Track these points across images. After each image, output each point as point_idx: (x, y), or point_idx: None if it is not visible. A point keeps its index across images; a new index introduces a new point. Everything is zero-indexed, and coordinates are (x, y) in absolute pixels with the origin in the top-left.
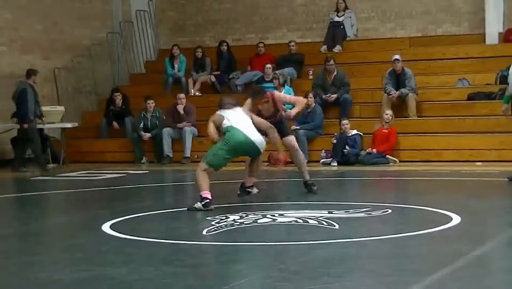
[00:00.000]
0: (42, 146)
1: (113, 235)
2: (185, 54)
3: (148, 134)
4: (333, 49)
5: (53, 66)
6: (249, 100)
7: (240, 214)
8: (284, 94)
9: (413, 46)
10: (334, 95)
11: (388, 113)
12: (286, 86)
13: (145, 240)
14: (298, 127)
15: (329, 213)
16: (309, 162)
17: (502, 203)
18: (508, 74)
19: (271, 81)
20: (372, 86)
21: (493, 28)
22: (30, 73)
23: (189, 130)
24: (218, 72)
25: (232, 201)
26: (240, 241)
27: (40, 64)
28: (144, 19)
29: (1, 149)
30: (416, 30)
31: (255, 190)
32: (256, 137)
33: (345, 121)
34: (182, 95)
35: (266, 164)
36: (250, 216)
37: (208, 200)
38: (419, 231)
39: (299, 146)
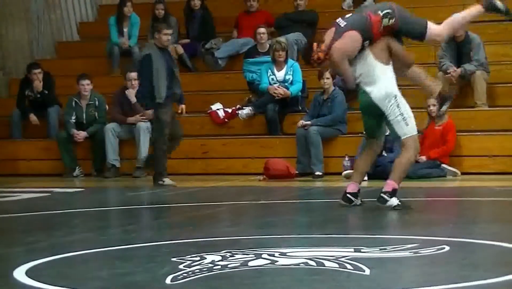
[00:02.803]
0: None
1: (30, 286)
2: (139, 13)
3: (83, 133)
4: (361, 5)
5: None
6: None
7: (223, 252)
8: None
9: None
10: None
11: (431, 103)
12: (290, 61)
13: None
14: (309, 122)
15: (356, 251)
16: (326, 173)
17: None
18: None
19: (268, 52)
20: (420, 61)
21: None
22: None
23: (145, 128)
24: (188, 40)
25: (211, 232)
26: None
27: None
28: None
29: None
30: None
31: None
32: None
33: None
34: (134, 74)
35: (261, 177)
36: (237, 256)
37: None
38: (491, 278)
39: (310, 148)
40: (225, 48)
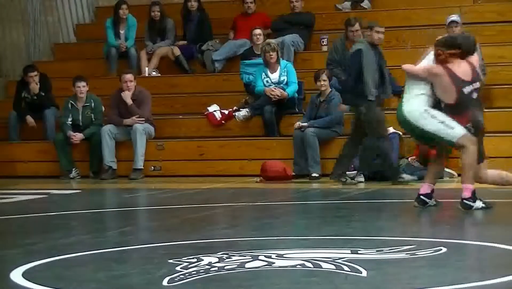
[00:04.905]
0: None
1: (27, 288)
2: (136, 14)
3: (80, 135)
4: (359, 6)
5: None
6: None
7: (220, 254)
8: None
9: (481, 1)
10: None
11: None
12: (283, 62)
13: None
14: (305, 124)
15: (353, 252)
16: (323, 175)
17: None
18: None
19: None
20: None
21: None
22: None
23: (141, 129)
24: (185, 42)
25: (208, 234)
26: None
27: None
28: None
29: None
30: None
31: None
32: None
33: None
34: (129, 76)
35: (258, 178)
36: (234, 258)
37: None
38: (489, 279)
39: (307, 150)
40: (222, 51)
